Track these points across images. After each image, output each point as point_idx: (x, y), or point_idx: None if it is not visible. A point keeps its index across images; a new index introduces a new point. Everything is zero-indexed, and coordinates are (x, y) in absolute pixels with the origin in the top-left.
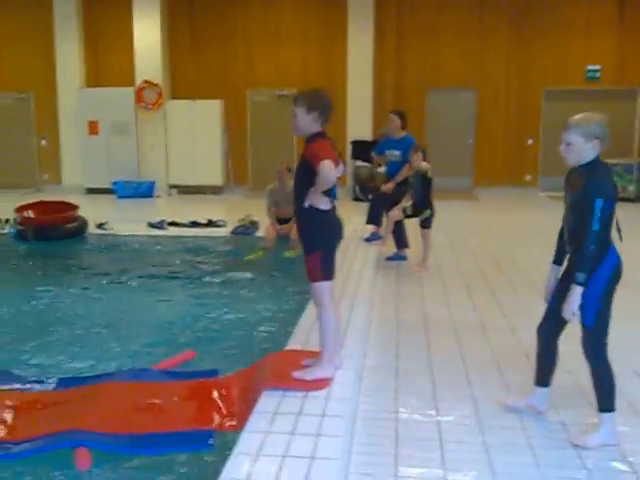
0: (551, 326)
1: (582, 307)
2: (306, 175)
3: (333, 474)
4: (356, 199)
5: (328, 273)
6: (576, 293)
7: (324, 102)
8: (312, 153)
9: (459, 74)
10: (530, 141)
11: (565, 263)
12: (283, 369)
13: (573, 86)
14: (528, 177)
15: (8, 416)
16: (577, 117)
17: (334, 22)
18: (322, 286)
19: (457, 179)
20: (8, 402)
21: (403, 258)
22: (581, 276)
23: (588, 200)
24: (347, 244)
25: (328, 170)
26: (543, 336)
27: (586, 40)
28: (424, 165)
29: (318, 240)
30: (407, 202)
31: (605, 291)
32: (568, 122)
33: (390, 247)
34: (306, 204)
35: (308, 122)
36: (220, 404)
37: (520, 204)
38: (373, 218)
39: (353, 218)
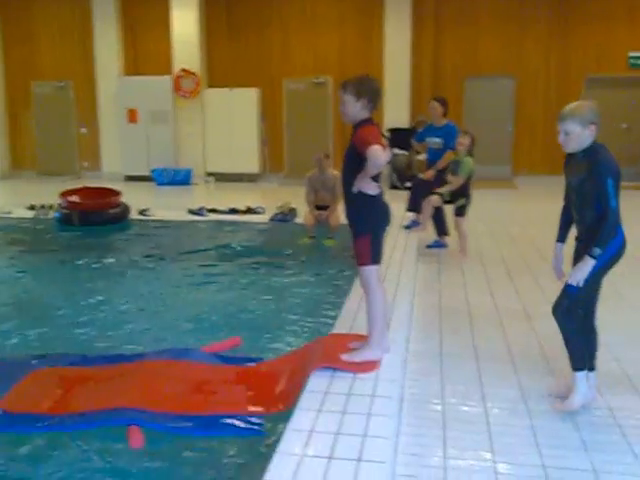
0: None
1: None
2: (354, 160)
3: (386, 452)
4: (393, 187)
5: (376, 257)
6: (589, 265)
7: (373, 88)
8: (361, 138)
9: (498, 61)
10: None
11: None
12: (331, 351)
13: (615, 73)
14: None
15: (63, 390)
16: (571, 106)
17: (371, 9)
18: (370, 269)
19: (496, 167)
20: (62, 377)
21: (443, 245)
22: (597, 251)
23: (598, 181)
24: (387, 231)
25: (377, 155)
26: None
27: (629, 26)
28: (468, 160)
29: (367, 224)
30: (447, 187)
31: (604, 266)
32: (563, 112)
33: (431, 234)
34: (355, 189)
35: (357, 109)
36: (268, 389)
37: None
38: (413, 205)
39: (391, 206)
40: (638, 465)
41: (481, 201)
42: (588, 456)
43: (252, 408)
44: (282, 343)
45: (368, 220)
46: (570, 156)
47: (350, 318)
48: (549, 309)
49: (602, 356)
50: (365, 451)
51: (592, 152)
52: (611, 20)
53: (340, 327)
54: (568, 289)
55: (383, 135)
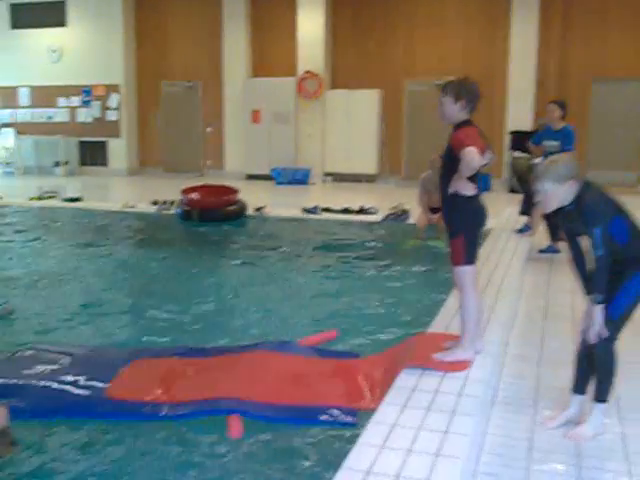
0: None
1: (613, 300)
2: (452, 162)
3: (464, 449)
4: (512, 191)
5: (470, 257)
6: (598, 312)
7: (471, 91)
8: (458, 140)
9: (629, 62)
10: None
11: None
12: (424, 350)
13: None
14: None
15: (165, 380)
16: (544, 165)
17: (497, 8)
18: (464, 270)
19: (622, 173)
20: (164, 367)
21: (556, 251)
22: (599, 297)
23: (587, 231)
24: (498, 235)
25: (471, 156)
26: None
27: None
28: None
29: (462, 225)
30: None
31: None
32: (537, 173)
33: (544, 239)
34: (451, 190)
35: (455, 110)
36: (363, 384)
37: None
38: (527, 208)
39: (507, 209)
40: None
41: None
42: None
43: (347, 401)
44: (380, 339)
45: (463, 221)
46: (559, 211)
47: (447, 318)
48: None
49: None
50: (444, 447)
51: (577, 203)
52: None
53: (436, 326)
54: (606, 317)
55: (483, 136)
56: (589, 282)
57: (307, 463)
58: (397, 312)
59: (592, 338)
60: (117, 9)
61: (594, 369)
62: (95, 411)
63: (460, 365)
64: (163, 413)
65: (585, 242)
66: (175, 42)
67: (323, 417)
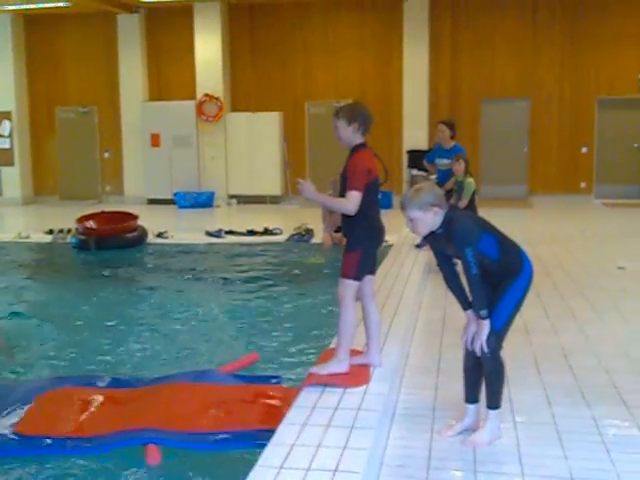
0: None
1: (494, 314)
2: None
3: (363, 463)
4: None
5: (360, 274)
6: (485, 326)
7: (362, 113)
8: (354, 167)
9: (513, 84)
10: (584, 149)
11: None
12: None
13: (626, 95)
14: (582, 185)
15: (81, 413)
16: (408, 194)
17: (390, 34)
18: (350, 284)
19: (512, 187)
20: (81, 399)
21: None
22: (483, 312)
23: (459, 252)
24: (398, 250)
25: (351, 201)
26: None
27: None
28: (469, 181)
29: (360, 241)
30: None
31: (519, 301)
32: (401, 201)
33: None
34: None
35: (350, 133)
36: (284, 405)
37: (574, 211)
38: None
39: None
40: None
41: (495, 219)
42: (567, 464)
43: (266, 424)
44: (299, 360)
45: (362, 237)
46: (431, 235)
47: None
48: (548, 324)
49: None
50: (342, 462)
51: (447, 228)
52: (622, 43)
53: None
54: (490, 329)
55: (377, 156)
56: (465, 299)
57: None
58: (313, 331)
59: (477, 350)
60: (6, 33)
61: (483, 377)
62: (4, 448)
63: (360, 379)
64: (76, 447)
65: (458, 262)
66: (69, 67)
67: (242, 440)
